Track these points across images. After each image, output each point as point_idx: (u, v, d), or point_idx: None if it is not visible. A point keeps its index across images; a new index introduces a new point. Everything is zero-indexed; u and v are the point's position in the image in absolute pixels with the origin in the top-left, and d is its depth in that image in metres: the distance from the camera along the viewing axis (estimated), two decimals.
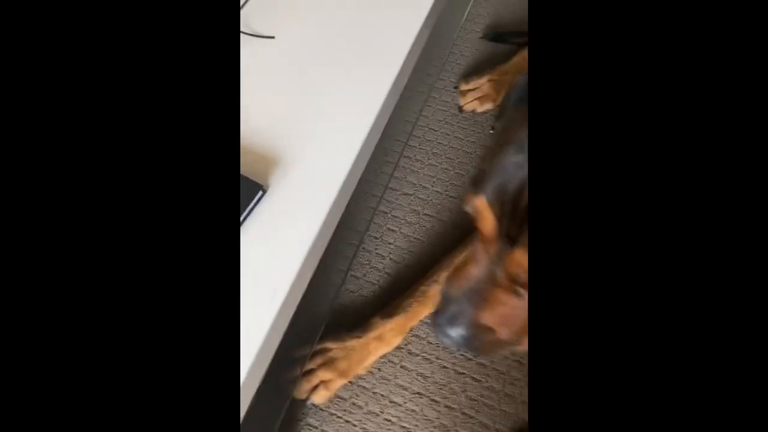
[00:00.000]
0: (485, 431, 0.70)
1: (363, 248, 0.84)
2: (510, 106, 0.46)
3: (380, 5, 0.63)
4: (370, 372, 0.73)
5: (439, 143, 0.96)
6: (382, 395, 0.72)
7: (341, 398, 0.71)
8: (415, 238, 0.85)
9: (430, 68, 1.00)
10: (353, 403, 0.71)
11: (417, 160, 0.94)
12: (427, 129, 0.98)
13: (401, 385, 0.72)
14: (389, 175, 0.91)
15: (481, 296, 0.40)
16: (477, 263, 0.41)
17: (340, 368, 0.69)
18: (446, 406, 0.71)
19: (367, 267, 0.82)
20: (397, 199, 0.89)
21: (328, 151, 0.51)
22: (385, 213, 0.88)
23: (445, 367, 0.74)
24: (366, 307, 0.78)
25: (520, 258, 0.37)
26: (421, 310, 0.73)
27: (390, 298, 0.77)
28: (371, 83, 0.56)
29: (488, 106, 0.97)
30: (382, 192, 0.89)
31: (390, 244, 0.84)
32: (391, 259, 0.83)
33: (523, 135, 0.38)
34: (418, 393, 0.72)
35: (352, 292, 0.80)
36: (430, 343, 0.75)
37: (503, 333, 0.41)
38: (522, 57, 1.01)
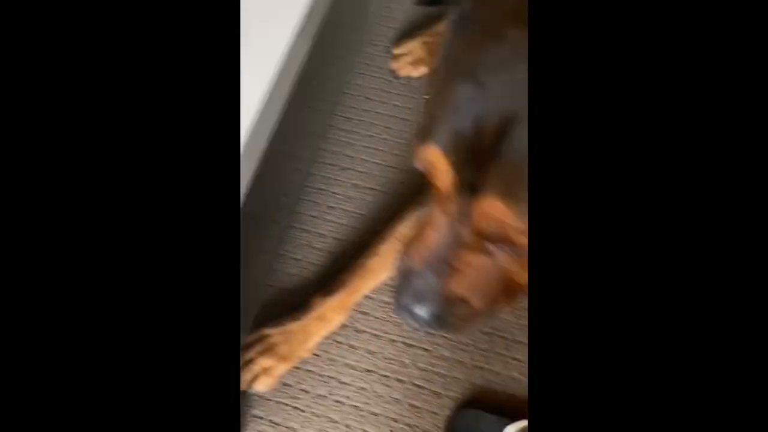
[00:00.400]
0: (437, 399, 0.68)
1: (301, 228, 0.80)
2: (450, 32, 0.39)
3: None
4: (317, 355, 0.70)
5: (377, 113, 0.92)
6: (330, 377, 0.69)
7: (287, 385, 0.68)
8: (357, 213, 0.82)
9: (351, 30, 0.95)
10: (301, 389, 0.68)
11: (353, 132, 0.90)
12: (362, 99, 0.94)
13: (349, 365, 0.70)
14: (318, 149, 0.87)
15: (447, 263, 0.36)
16: (436, 226, 0.36)
17: (280, 353, 0.66)
18: (397, 380, 0.69)
19: (307, 248, 0.79)
20: (336, 174, 0.86)
21: None
22: (324, 190, 0.84)
23: (393, 340, 0.72)
24: (309, 288, 0.74)
25: (488, 207, 0.32)
26: (361, 284, 0.70)
27: (334, 278, 0.74)
28: (268, 42, 0.52)
29: (423, 69, 0.94)
30: (309, 167, 0.85)
31: (330, 221, 0.81)
32: (333, 237, 0.80)
33: (471, 62, 0.32)
34: (368, 370, 0.70)
35: (292, 275, 0.76)
36: (377, 318, 0.73)
37: (477, 302, 0.37)
38: None
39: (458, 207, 0.34)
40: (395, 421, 0.67)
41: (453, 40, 0.38)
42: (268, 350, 0.66)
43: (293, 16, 0.54)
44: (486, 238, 0.35)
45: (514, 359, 0.70)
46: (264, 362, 0.65)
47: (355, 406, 0.67)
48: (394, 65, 0.93)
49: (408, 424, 0.67)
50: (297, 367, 0.69)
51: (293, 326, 0.67)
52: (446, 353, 0.71)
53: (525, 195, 0.30)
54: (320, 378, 0.69)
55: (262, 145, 0.51)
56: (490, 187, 0.31)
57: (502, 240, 0.34)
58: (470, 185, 0.32)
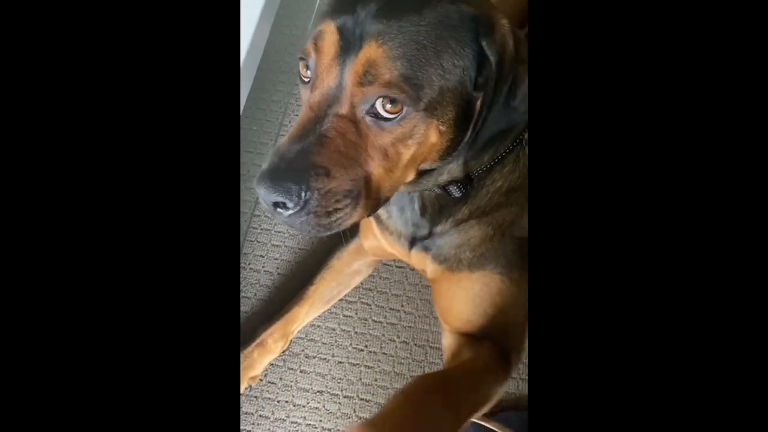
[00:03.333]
0: None
1: (251, 268, 0.88)
2: None
3: None
4: (272, 383, 0.79)
5: None
6: (286, 401, 0.78)
7: (248, 413, 0.77)
8: (299, 248, 0.90)
9: (283, 65, 1.03)
10: (260, 416, 0.77)
11: None
12: None
13: (303, 388, 0.79)
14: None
15: (317, 133, 0.39)
16: (310, 105, 0.41)
17: None
18: (345, 397, 0.79)
19: (257, 286, 0.87)
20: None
21: None
22: (268, 230, 0.92)
23: (340, 362, 0.81)
24: (257, 323, 0.83)
25: (367, 52, 0.39)
26: (298, 312, 0.78)
27: (278, 309, 0.82)
28: None
29: None
30: (253, 209, 0.93)
31: (276, 259, 0.89)
32: (279, 273, 0.88)
33: None
34: (319, 391, 0.79)
35: (245, 313, 0.84)
36: (325, 344, 0.82)
37: (339, 176, 0.40)
38: None
39: (338, 71, 0.40)
40: None
41: None
42: None
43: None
44: (361, 86, 0.40)
45: None
46: None
47: (310, 424, 0.77)
48: None
49: None
50: (256, 396, 0.78)
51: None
52: (387, 368, 0.81)
53: (393, 46, 0.39)
54: (277, 403, 0.78)
55: None
56: (368, 38, 0.39)
57: (376, 83, 0.39)
58: (348, 46, 0.40)
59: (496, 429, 0.72)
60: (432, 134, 0.43)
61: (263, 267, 0.88)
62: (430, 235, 0.59)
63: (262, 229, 0.92)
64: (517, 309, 0.56)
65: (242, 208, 0.93)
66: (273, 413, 0.77)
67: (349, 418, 0.77)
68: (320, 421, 0.77)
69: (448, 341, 0.61)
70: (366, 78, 0.40)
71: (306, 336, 0.82)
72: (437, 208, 0.57)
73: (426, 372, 0.80)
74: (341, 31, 0.41)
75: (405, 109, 0.41)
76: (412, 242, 0.62)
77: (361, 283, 0.86)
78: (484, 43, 0.41)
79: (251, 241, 0.90)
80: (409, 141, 0.42)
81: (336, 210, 0.41)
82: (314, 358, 0.81)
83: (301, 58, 0.44)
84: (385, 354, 0.81)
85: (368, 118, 0.42)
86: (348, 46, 0.40)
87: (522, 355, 0.59)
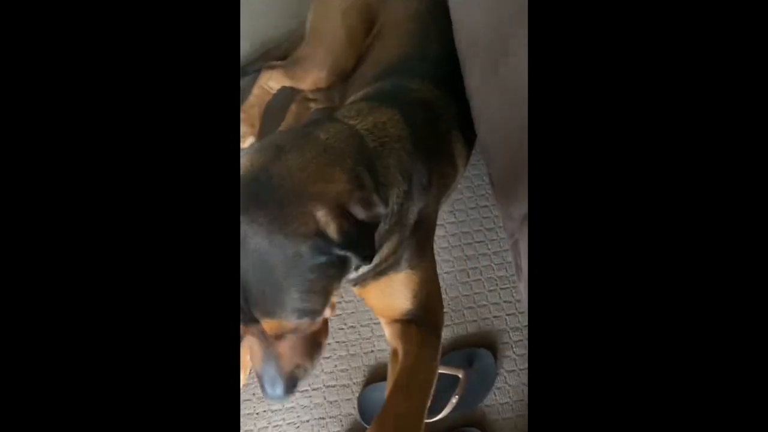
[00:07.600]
0: (348, 389, 0.88)
1: None
2: None
3: None
4: (248, 399, 0.87)
5: None
6: (264, 411, 0.87)
7: None
8: None
9: None
10: (246, 431, 0.86)
11: None
12: None
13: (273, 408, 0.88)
14: None
15: (273, 354, 0.56)
16: (250, 351, 0.56)
17: None
18: (313, 389, 0.88)
19: None
20: None
21: None
22: None
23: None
24: None
25: (271, 325, 0.52)
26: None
27: None
28: None
29: (250, 140, 1.08)
30: None
31: None
32: None
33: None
34: None
35: None
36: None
37: (306, 358, 0.57)
38: (259, 86, 1.07)
39: (253, 331, 0.54)
40: (323, 418, 0.86)
41: None
42: None
43: None
44: (276, 338, 0.54)
45: None
46: None
47: (291, 423, 0.86)
48: None
49: (333, 416, 0.86)
50: None
51: None
52: (342, 353, 0.91)
53: (282, 315, 0.50)
54: (257, 415, 0.86)
55: None
56: (261, 318, 0.51)
57: (285, 332, 0.54)
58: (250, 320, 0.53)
59: (444, 371, 0.84)
60: (329, 310, 0.57)
61: None
62: None
63: None
64: (426, 290, 0.70)
65: None
66: (256, 425, 0.86)
67: (322, 406, 0.87)
68: (298, 416, 0.86)
69: (387, 333, 0.73)
70: (278, 333, 0.54)
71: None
72: None
73: (376, 344, 0.91)
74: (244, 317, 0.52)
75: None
76: None
77: None
78: (332, 250, 0.50)
79: None
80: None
81: (312, 357, 0.59)
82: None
83: None
84: (338, 342, 0.91)
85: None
86: (246, 318, 0.52)
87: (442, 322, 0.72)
